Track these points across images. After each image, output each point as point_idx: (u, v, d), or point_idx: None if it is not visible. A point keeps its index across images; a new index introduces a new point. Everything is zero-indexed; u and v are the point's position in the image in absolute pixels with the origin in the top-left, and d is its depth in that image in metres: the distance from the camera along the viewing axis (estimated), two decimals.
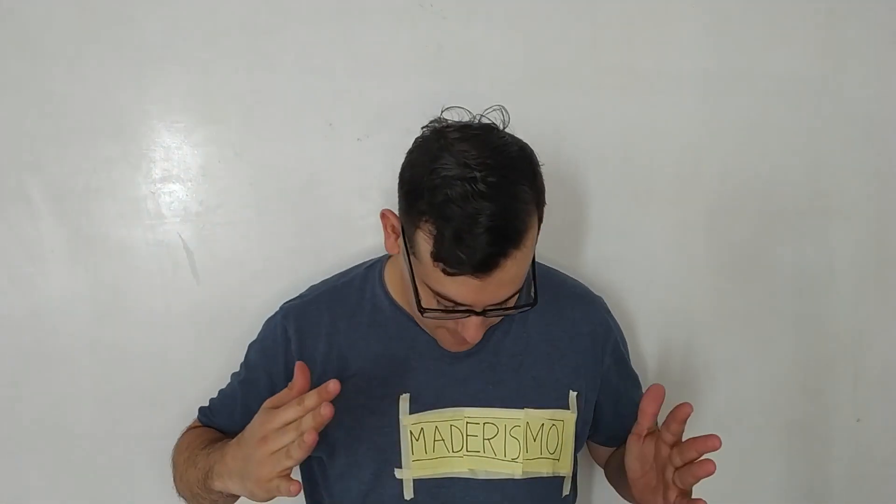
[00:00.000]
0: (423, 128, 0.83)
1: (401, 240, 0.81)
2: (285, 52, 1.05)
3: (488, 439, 0.92)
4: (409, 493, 0.90)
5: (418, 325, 0.93)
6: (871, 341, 1.29)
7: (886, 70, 1.22)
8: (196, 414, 1.01)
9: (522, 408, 0.92)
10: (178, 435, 0.98)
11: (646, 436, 0.84)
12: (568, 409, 0.95)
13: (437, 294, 0.78)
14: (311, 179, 1.08)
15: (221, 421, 0.98)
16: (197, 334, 1.07)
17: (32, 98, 1.01)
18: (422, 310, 0.80)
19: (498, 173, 0.73)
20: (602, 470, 1.13)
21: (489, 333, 0.93)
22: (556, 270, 1.05)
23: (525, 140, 0.83)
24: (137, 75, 1.02)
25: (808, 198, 1.23)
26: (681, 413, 0.79)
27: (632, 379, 1.06)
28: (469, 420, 0.91)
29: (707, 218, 1.20)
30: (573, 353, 0.96)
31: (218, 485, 0.81)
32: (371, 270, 0.98)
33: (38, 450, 1.07)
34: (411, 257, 0.79)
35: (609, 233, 1.18)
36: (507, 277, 0.76)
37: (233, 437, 0.85)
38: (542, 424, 0.93)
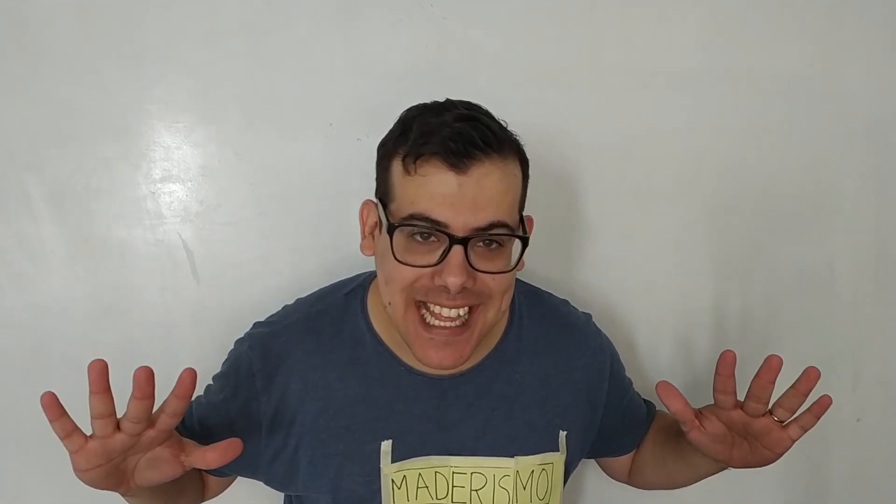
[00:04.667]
0: None
1: (375, 215, 0.80)
2: (285, 52, 1.05)
3: (476, 490, 0.86)
4: None
5: (403, 364, 0.86)
6: (871, 341, 1.29)
7: (886, 70, 1.22)
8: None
9: (513, 455, 0.87)
10: None
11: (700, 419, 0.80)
12: (557, 450, 0.90)
13: (412, 217, 0.72)
14: (311, 179, 1.08)
15: (186, 434, 0.88)
16: (197, 334, 1.07)
17: (32, 98, 1.01)
18: (397, 256, 0.74)
19: (468, 105, 0.78)
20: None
21: (476, 374, 0.87)
22: (540, 290, 1.00)
23: (524, 140, 0.83)
24: (137, 75, 1.02)
25: (808, 198, 1.23)
26: (769, 370, 0.78)
27: (628, 385, 1.04)
28: (455, 470, 0.85)
29: (707, 218, 1.20)
30: (566, 389, 0.92)
31: None
32: (351, 299, 0.90)
33: (38, 450, 1.07)
34: (388, 208, 0.76)
35: (608, 233, 1.18)
36: (488, 186, 0.72)
37: None
38: (532, 471, 0.88)
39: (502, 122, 0.79)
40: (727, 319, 1.24)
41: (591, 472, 1.22)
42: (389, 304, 0.79)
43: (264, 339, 0.87)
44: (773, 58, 1.18)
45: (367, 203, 0.84)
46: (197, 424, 0.89)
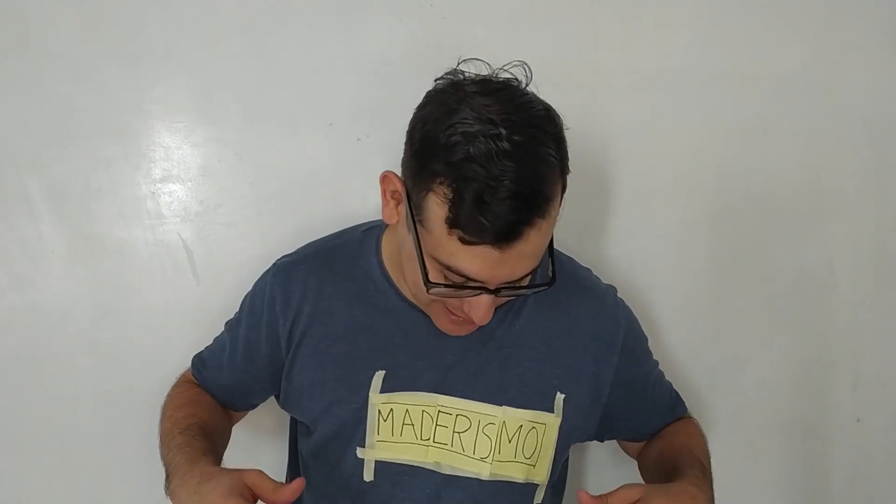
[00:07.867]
0: (436, 80, 0.78)
1: (404, 207, 0.75)
2: (285, 52, 1.05)
3: (459, 433, 0.86)
4: (369, 475, 0.86)
5: (408, 301, 0.87)
6: (871, 341, 1.29)
7: (886, 70, 1.22)
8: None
9: (501, 405, 0.86)
10: None
11: None
12: (552, 412, 0.88)
13: (448, 268, 0.71)
14: (311, 179, 1.08)
15: (210, 375, 0.97)
16: (197, 334, 1.07)
17: (33, 98, 1.01)
18: (428, 284, 0.73)
19: (524, 132, 0.68)
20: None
21: None
22: (566, 255, 0.97)
23: None
24: (137, 75, 1.02)
25: (808, 198, 1.23)
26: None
27: (650, 368, 0.99)
28: (441, 409, 0.86)
29: (707, 218, 1.20)
30: (569, 352, 0.89)
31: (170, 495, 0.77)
32: (368, 236, 0.92)
33: (38, 450, 1.07)
34: (417, 226, 0.72)
35: (609, 233, 1.18)
36: (529, 250, 0.70)
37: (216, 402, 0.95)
38: (521, 426, 0.86)
39: (563, 134, 0.74)
40: (727, 319, 1.24)
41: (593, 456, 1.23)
42: (414, 295, 0.84)
43: (286, 266, 0.92)
44: (772, 58, 1.18)
45: (389, 178, 0.78)
46: (226, 361, 0.95)
